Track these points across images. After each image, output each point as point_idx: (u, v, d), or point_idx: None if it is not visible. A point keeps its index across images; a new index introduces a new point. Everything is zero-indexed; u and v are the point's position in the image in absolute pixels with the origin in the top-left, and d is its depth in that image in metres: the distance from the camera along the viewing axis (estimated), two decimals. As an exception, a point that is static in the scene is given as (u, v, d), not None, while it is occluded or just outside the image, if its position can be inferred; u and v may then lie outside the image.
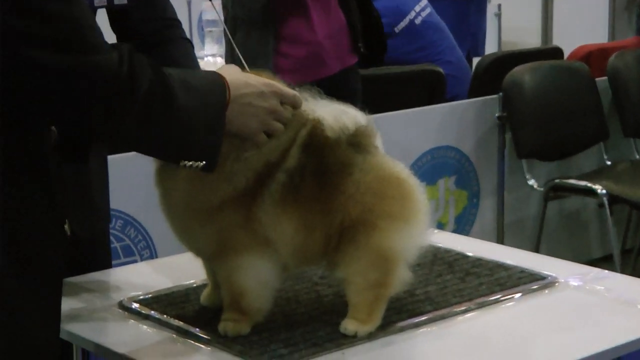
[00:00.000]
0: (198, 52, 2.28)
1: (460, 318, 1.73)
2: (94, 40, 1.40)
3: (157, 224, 3.16)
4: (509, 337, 1.65)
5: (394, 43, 4.78)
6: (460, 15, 5.46)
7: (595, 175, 4.13)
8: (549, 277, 1.89)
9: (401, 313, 1.71)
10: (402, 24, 4.79)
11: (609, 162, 4.36)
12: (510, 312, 1.76)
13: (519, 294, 1.82)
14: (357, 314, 1.64)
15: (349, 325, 1.63)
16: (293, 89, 1.63)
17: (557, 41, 6.51)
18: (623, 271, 3.79)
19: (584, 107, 4.27)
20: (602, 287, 1.86)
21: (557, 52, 4.95)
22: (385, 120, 3.61)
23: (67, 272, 1.60)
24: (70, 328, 1.69)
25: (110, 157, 1.97)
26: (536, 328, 1.69)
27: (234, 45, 2.56)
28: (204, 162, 1.53)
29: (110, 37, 2.10)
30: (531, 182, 4.14)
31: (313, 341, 1.61)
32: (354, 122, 1.61)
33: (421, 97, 4.28)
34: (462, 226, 4.11)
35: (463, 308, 1.75)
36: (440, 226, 3.97)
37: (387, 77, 4.38)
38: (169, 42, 1.91)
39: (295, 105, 1.61)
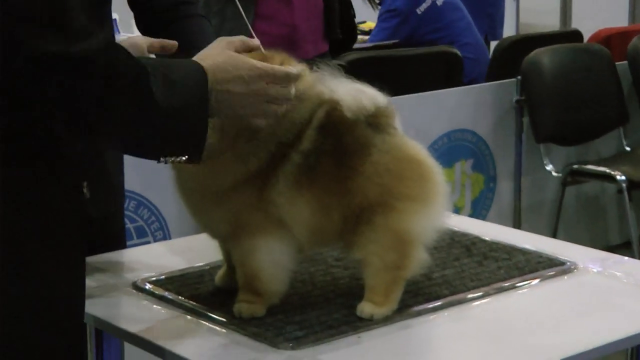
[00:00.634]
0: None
1: (477, 303, 1.70)
2: (78, 26, 1.34)
3: (170, 205, 3.17)
4: (527, 323, 1.63)
5: (415, 24, 4.75)
6: None
7: (614, 160, 4.09)
8: (568, 263, 1.86)
9: (418, 296, 1.69)
10: (425, 5, 4.76)
11: (628, 148, 4.32)
12: (529, 297, 1.74)
13: (538, 280, 1.80)
14: (374, 297, 1.62)
15: (365, 308, 1.61)
16: (312, 66, 1.60)
17: (576, 24, 6.46)
18: (641, 257, 3.76)
19: (604, 91, 4.23)
20: (622, 273, 1.83)
21: (576, 35, 4.90)
22: (402, 102, 3.58)
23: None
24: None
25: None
26: (555, 313, 1.67)
27: (248, 23, 2.52)
28: (186, 157, 1.49)
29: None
30: (549, 167, 4.10)
31: (329, 323, 1.59)
32: (373, 102, 1.58)
33: (438, 79, 4.25)
34: (479, 210, 4.09)
35: (481, 293, 1.73)
36: (457, 210, 3.94)
37: (403, 59, 4.35)
38: (185, 18, 1.89)
39: (289, 82, 1.55)
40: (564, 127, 4.10)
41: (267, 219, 1.57)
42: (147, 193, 3.17)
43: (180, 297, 1.71)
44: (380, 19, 4.89)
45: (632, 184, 3.86)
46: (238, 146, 1.55)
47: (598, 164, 4.03)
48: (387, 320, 1.60)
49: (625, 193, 3.88)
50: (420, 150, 1.64)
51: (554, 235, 4.09)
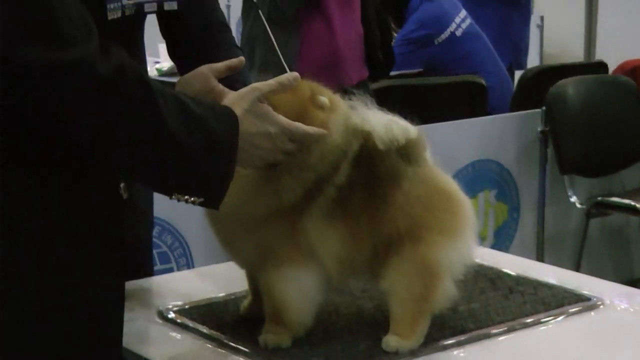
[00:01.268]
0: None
1: (503, 337, 1.69)
2: (71, 34, 1.32)
3: (194, 231, 3.17)
4: (552, 359, 1.62)
5: (432, 53, 4.75)
6: (503, 25, 5.41)
7: (638, 192, 4.06)
8: (594, 298, 1.85)
9: (444, 330, 1.68)
10: (443, 36, 4.76)
11: (653, 180, 4.30)
12: (555, 333, 1.73)
13: (563, 315, 1.78)
14: (400, 329, 1.61)
15: (390, 341, 1.60)
16: (345, 95, 1.61)
17: (600, 55, 6.43)
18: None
19: (629, 123, 4.21)
20: (649, 310, 1.82)
21: (601, 67, 4.89)
22: (426, 131, 3.57)
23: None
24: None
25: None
26: (581, 350, 1.65)
27: (277, 48, 2.55)
28: (202, 199, 1.45)
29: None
30: (573, 198, 4.08)
31: (353, 356, 1.58)
32: (405, 134, 1.59)
33: (463, 108, 4.25)
34: (502, 240, 4.07)
35: (506, 327, 1.72)
36: (480, 240, 3.92)
37: (428, 88, 4.36)
38: (218, 47, 1.88)
39: (309, 143, 1.54)
40: (588, 159, 4.08)
41: (297, 249, 1.57)
42: (171, 219, 3.17)
43: (204, 326, 1.71)
44: (396, 46, 4.89)
45: (657, 216, 3.84)
46: (274, 180, 1.55)
47: (622, 196, 4.00)
48: (412, 354, 1.60)
49: (650, 226, 3.86)
50: (450, 183, 1.64)
51: (577, 266, 4.06)
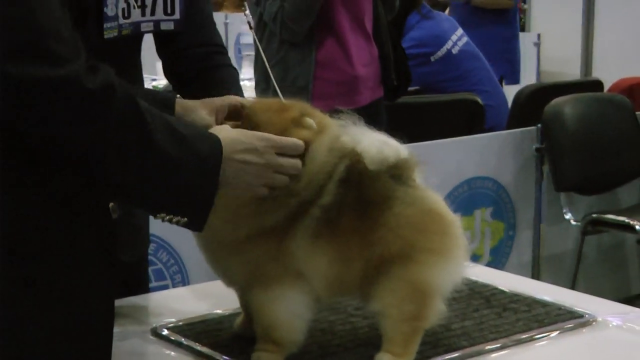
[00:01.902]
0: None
1: (496, 354, 1.70)
2: (59, 51, 1.32)
3: (190, 248, 3.16)
4: (546, 376, 1.63)
5: (429, 70, 4.77)
6: (493, 42, 5.47)
7: (634, 210, 4.07)
8: (587, 316, 1.86)
9: (437, 347, 1.68)
10: (440, 53, 4.78)
11: (648, 197, 4.31)
12: (548, 350, 1.73)
13: (557, 332, 1.79)
14: (392, 347, 1.61)
15: (383, 359, 1.61)
16: (333, 115, 1.61)
17: (597, 73, 6.46)
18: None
19: (625, 141, 4.22)
20: (642, 327, 1.82)
21: (597, 85, 4.91)
22: (422, 149, 3.58)
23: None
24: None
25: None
26: (574, 367, 1.66)
27: (270, 71, 2.58)
28: (185, 219, 1.47)
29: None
30: (568, 216, 4.09)
31: (347, 374, 1.59)
32: (396, 154, 1.60)
33: (459, 126, 4.26)
34: (498, 258, 4.07)
35: (499, 344, 1.72)
36: (476, 258, 3.93)
37: (425, 105, 4.37)
38: (215, 68, 1.90)
39: (296, 154, 1.55)
40: (584, 176, 4.09)
41: (284, 270, 1.57)
42: (166, 236, 3.17)
43: (198, 344, 1.71)
44: None
45: (652, 234, 3.84)
46: (254, 203, 1.55)
47: (618, 213, 4.01)
48: (405, 371, 1.60)
49: (645, 243, 3.86)
50: (440, 203, 1.65)
51: (573, 284, 4.06)
